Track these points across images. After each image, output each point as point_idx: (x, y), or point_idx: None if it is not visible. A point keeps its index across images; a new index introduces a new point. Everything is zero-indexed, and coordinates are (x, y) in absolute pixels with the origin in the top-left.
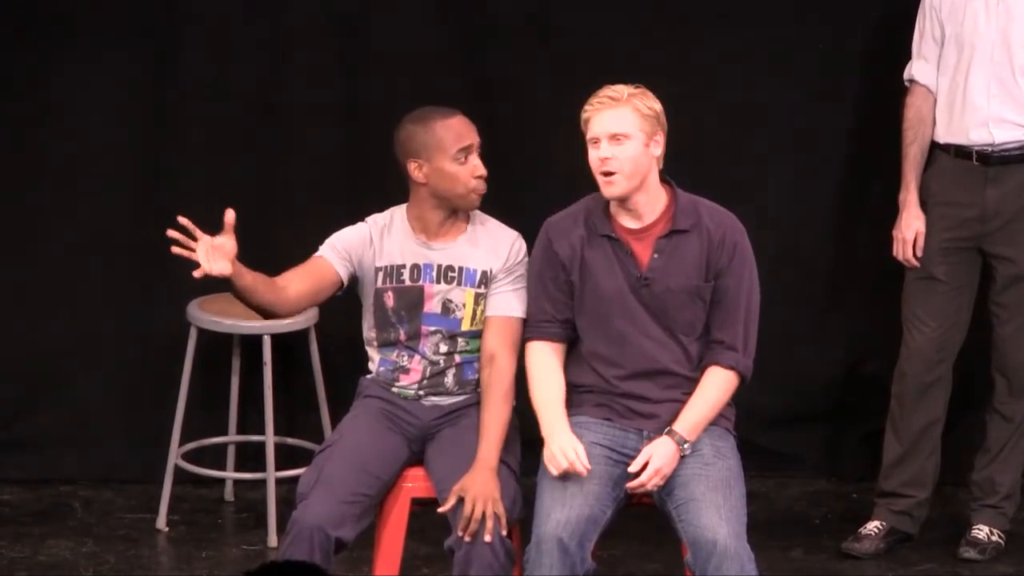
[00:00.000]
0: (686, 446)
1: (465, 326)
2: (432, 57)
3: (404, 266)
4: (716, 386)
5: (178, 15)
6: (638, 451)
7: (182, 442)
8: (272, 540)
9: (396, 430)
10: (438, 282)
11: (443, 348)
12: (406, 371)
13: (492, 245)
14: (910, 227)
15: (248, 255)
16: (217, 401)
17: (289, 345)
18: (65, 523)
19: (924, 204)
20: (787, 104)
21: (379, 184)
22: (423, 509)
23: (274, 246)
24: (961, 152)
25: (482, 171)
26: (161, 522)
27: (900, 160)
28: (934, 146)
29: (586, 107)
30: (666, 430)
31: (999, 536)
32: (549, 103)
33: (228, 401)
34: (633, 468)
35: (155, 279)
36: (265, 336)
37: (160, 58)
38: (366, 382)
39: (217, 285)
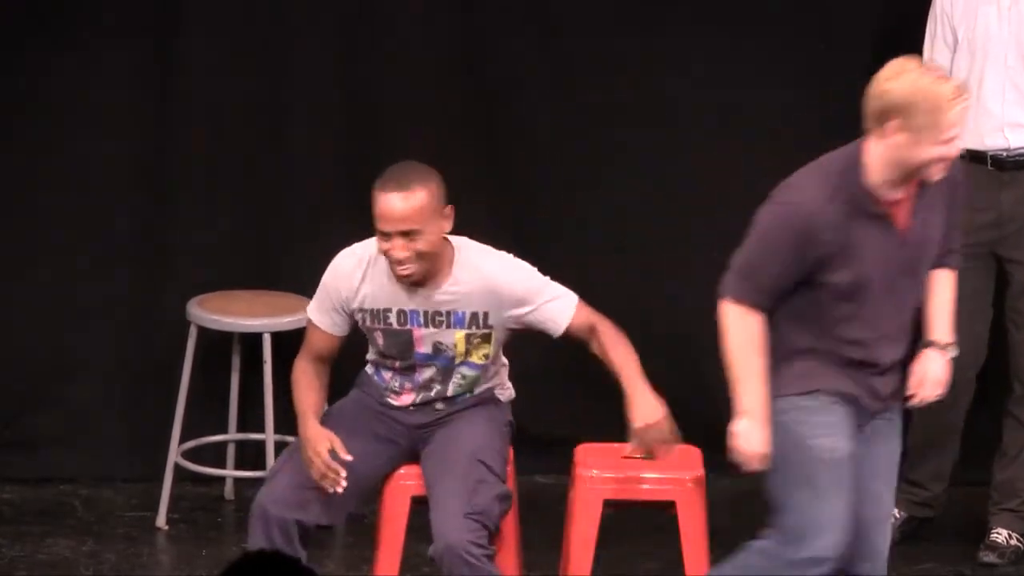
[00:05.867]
0: (949, 348)
1: (460, 360)
2: (432, 58)
3: (390, 310)
4: (950, 287)
5: (178, 15)
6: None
7: (182, 440)
8: None
9: (385, 425)
10: (426, 326)
11: (438, 380)
12: (397, 394)
13: (481, 289)
14: None
15: (247, 255)
16: (217, 399)
17: (289, 343)
18: (65, 522)
19: None
20: (788, 103)
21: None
22: (423, 509)
23: (274, 246)
24: (976, 157)
25: (395, 256)
26: (161, 520)
27: None
28: None
29: None
30: (926, 343)
31: (1018, 540)
32: (549, 103)
33: (228, 399)
34: (911, 390)
35: (155, 279)
36: (265, 334)
37: (160, 58)
38: (366, 375)
39: (216, 283)
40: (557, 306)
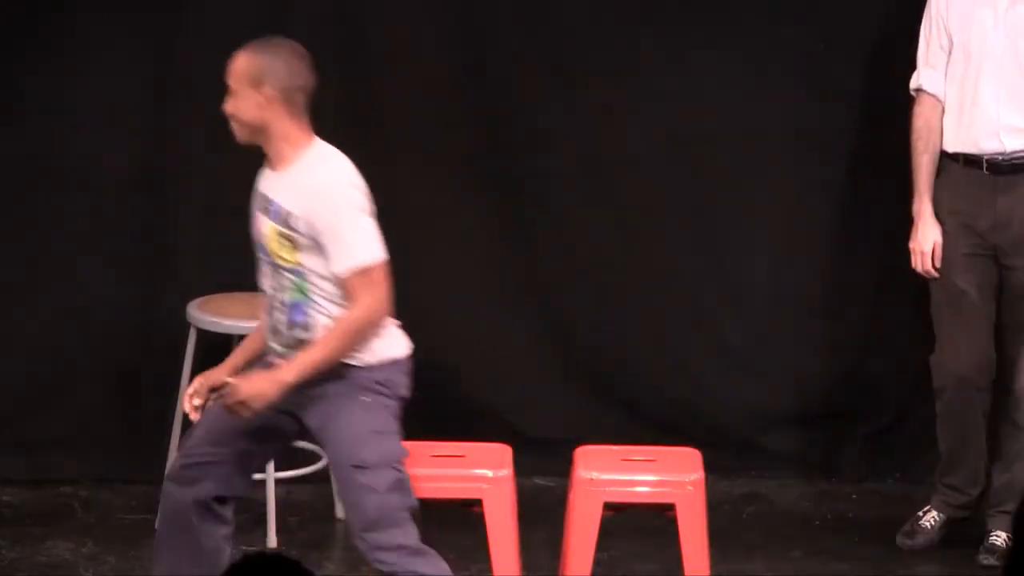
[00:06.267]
0: None
1: (277, 260)
2: (432, 58)
3: (256, 191)
4: None
5: (179, 15)
6: None
7: (182, 443)
8: (272, 541)
9: None
10: (262, 211)
11: (269, 280)
12: (268, 311)
13: (300, 188)
14: (927, 239)
15: (247, 257)
16: None
17: None
18: (65, 523)
19: (937, 215)
20: (788, 104)
21: (378, 183)
22: (423, 510)
23: None
24: (971, 161)
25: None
26: None
27: (909, 168)
28: (943, 155)
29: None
30: None
31: None
32: (550, 103)
33: None
34: None
35: (155, 279)
36: None
37: (160, 58)
38: None
39: (216, 286)
40: (346, 249)
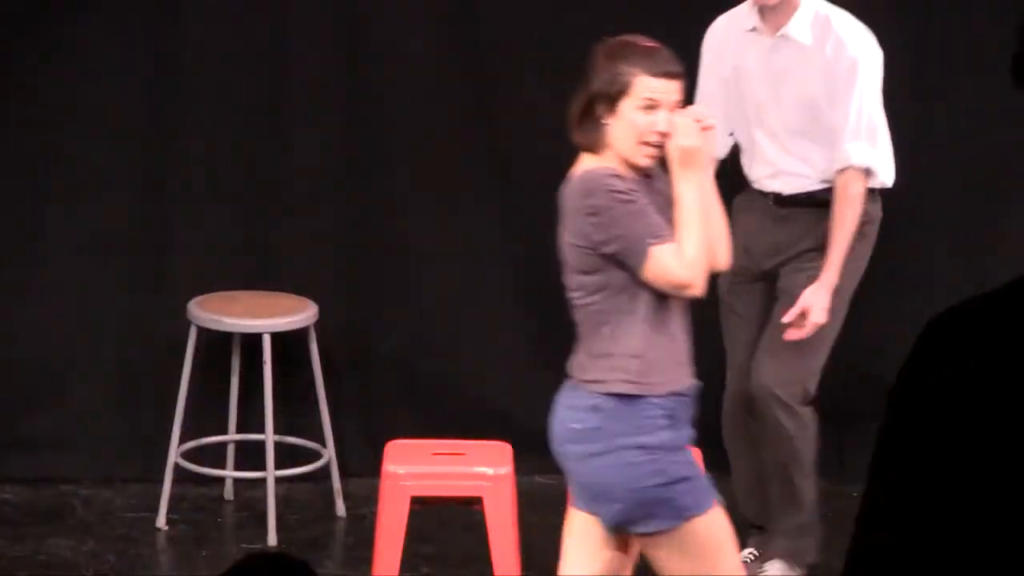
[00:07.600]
0: None
1: None
2: (432, 59)
3: None
4: None
5: (177, 16)
6: None
7: (182, 441)
8: (272, 539)
9: None
10: None
11: None
12: None
13: None
14: None
15: (247, 255)
16: (217, 400)
17: (289, 344)
18: (65, 523)
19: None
20: None
21: (379, 184)
22: (423, 509)
23: (274, 247)
24: (760, 191)
25: None
26: (161, 521)
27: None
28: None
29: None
30: None
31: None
32: (550, 101)
33: (228, 400)
34: None
35: (155, 279)
36: (265, 335)
37: (161, 58)
38: None
39: (216, 284)
40: None
